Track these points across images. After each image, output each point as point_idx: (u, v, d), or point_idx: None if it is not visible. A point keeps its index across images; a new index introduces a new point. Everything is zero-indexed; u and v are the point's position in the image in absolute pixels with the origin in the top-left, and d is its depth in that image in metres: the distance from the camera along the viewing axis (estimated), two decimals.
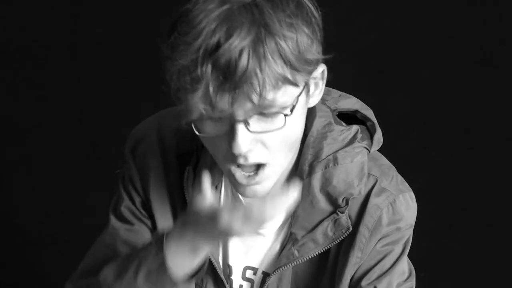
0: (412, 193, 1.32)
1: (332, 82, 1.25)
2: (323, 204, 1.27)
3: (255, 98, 1.09)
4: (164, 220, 1.33)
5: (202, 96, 1.09)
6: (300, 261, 1.30)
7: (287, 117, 1.14)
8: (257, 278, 1.35)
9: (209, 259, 1.31)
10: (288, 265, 1.30)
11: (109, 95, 2.75)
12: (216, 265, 1.33)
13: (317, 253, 1.29)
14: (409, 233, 1.32)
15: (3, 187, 2.80)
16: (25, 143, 2.81)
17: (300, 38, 1.11)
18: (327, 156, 1.27)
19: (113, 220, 1.36)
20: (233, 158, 1.15)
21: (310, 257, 1.29)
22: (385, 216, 1.28)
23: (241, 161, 1.15)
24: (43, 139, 2.80)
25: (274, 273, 1.31)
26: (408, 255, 1.34)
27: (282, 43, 1.09)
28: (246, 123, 1.12)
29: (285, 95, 1.12)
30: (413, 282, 1.35)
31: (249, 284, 1.35)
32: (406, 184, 1.32)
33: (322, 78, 1.20)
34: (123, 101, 2.74)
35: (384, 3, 2.61)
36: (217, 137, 1.15)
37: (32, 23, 2.81)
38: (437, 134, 2.61)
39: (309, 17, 1.14)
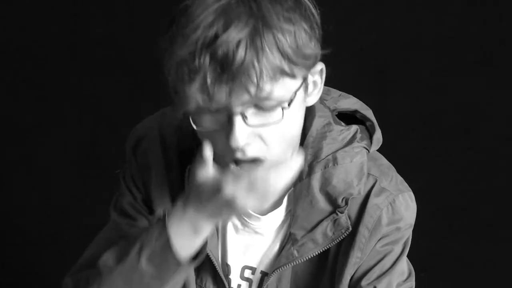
0: (411, 193, 1.32)
1: (332, 82, 1.26)
2: (323, 204, 1.27)
3: (252, 89, 1.10)
4: None
5: (199, 87, 1.10)
6: (300, 261, 1.30)
7: (284, 111, 1.14)
8: (256, 278, 1.35)
9: (209, 257, 1.31)
10: (287, 265, 1.30)
11: (109, 95, 2.75)
12: (215, 264, 1.32)
13: (317, 253, 1.29)
14: (408, 233, 1.32)
15: (3, 187, 2.80)
16: (25, 143, 2.81)
17: (298, 33, 1.12)
18: (327, 156, 1.27)
19: (115, 216, 1.36)
20: (231, 153, 1.15)
21: (310, 257, 1.29)
22: (385, 216, 1.28)
23: (239, 155, 1.15)
24: (43, 139, 2.80)
25: (274, 273, 1.31)
26: (408, 255, 1.34)
27: (280, 36, 1.10)
28: (244, 116, 1.12)
29: (282, 88, 1.12)
30: (412, 282, 1.35)
31: (248, 283, 1.35)
32: (406, 184, 1.32)
33: (321, 77, 1.20)
34: (123, 101, 2.74)
35: (384, 3, 2.60)
36: (215, 131, 1.15)
37: (32, 23, 2.80)
38: (437, 134, 2.61)
39: (308, 14, 1.14)
